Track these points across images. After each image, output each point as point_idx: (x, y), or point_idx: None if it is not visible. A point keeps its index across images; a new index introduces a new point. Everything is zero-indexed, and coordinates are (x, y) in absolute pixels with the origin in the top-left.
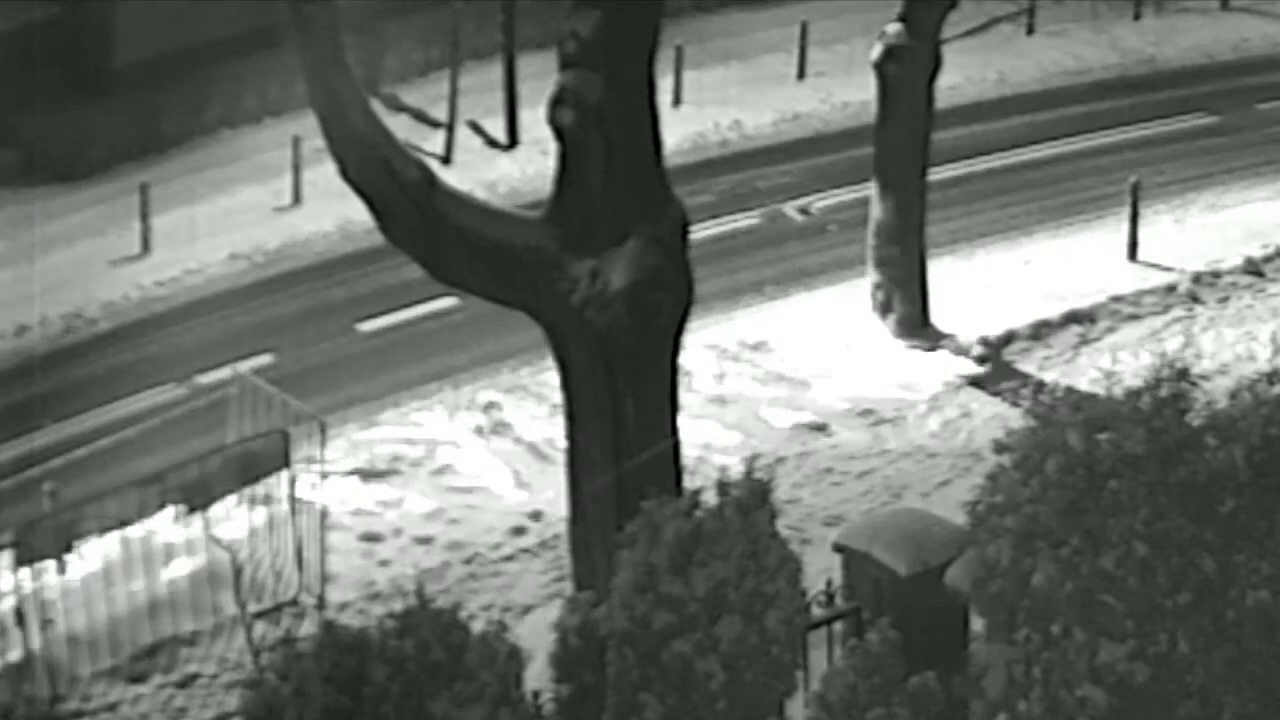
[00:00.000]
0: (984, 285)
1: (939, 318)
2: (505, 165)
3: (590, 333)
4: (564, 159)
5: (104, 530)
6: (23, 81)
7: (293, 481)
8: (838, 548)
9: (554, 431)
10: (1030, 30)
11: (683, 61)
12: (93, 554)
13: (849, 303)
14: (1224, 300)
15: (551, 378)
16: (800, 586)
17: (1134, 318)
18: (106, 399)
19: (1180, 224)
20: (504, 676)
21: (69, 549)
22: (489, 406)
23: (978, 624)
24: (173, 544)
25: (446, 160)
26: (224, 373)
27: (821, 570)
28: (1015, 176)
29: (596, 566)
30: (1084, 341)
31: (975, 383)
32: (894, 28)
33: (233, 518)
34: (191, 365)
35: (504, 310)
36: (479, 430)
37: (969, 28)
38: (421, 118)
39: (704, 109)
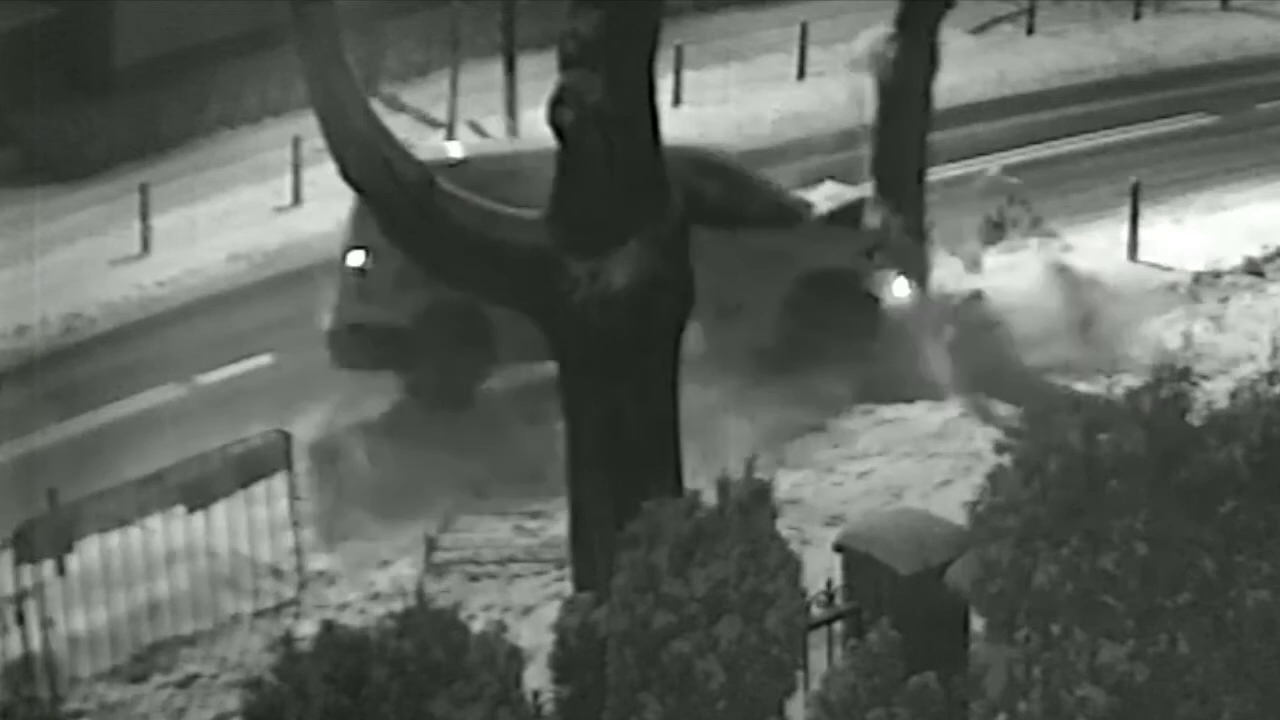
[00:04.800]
0: (984, 285)
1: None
2: None
3: (590, 333)
4: (564, 159)
5: (104, 530)
6: (23, 81)
7: (293, 481)
8: (838, 548)
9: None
10: (1030, 30)
11: (683, 61)
12: (93, 554)
13: None
14: (1224, 300)
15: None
16: (800, 586)
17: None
18: (106, 399)
19: (1180, 224)
20: (504, 676)
21: (69, 549)
22: None
23: (978, 624)
24: (173, 544)
25: None
26: (225, 373)
27: (821, 570)
28: (1015, 176)
29: (596, 566)
30: (1084, 341)
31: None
32: (891, 28)
33: (234, 518)
34: (191, 365)
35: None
36: None
37: (969, 28)
38: (421, 118)
39: (704, 109)
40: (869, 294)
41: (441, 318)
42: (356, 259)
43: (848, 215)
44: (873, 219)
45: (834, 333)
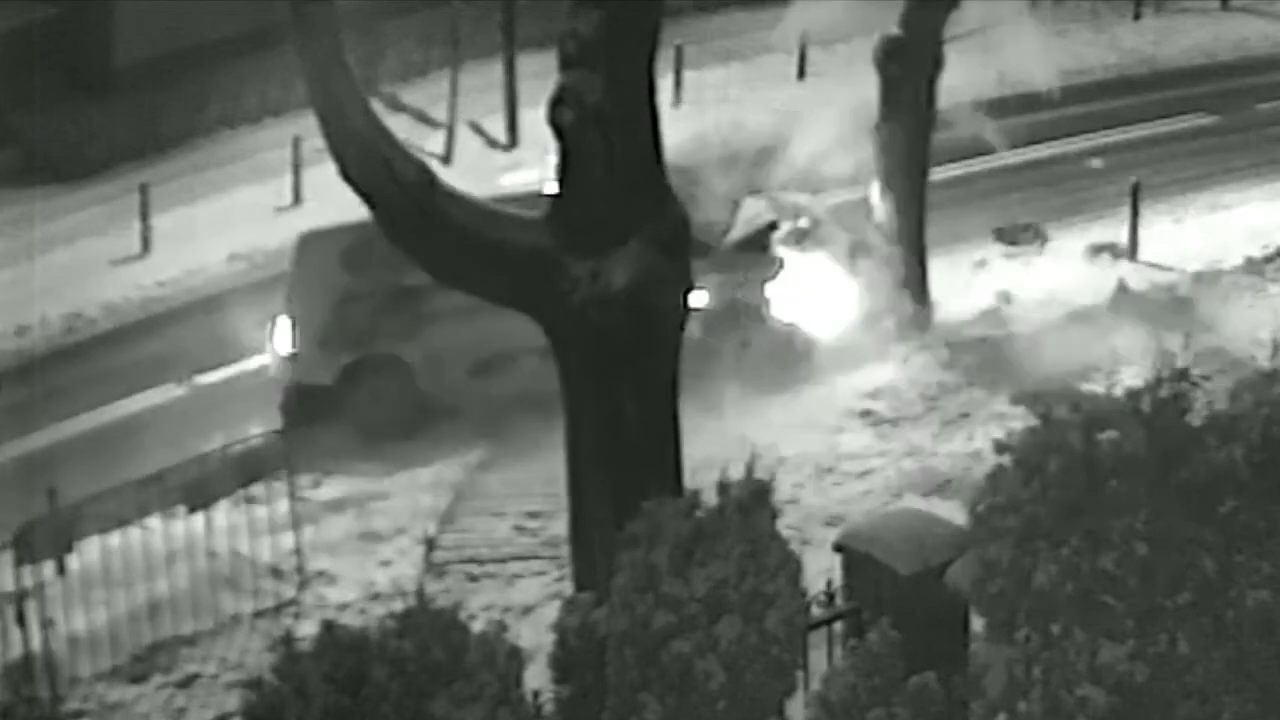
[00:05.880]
0: (985, 286)
1: (940, 317)
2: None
3: (590, 333)
4: (564, 159)
5: (104, 530)
6: (23, 81)
7: (293, 481)
8: (838, 548)
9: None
10: None
11: (683, 61)
12: (93, 554)
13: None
14: (1224, 300)
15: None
16: (800, 586)
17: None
18: (106, 399)
19: (1180, 224)
20: (504, 676)
21: (69, 549)
22: None
23: (978, 624)
24: (173, 544)
25: (446, 160)
26: (225, 373)
27: (821, 570)
28: (1015, 176)
29: (596, 566)
30: (1085, 341)
31: (976, 382)
32: (895, 28)
33: (234, 518)
34: (191, 365)
35: None
36: None
37: (970, 28)
38: (422, 118)
39: (704, 109)
40: (774, 323)
41: (363, 373)
42: (284, 327)
43: (755, 242)
44: (865, 225)
45: (741, 367)
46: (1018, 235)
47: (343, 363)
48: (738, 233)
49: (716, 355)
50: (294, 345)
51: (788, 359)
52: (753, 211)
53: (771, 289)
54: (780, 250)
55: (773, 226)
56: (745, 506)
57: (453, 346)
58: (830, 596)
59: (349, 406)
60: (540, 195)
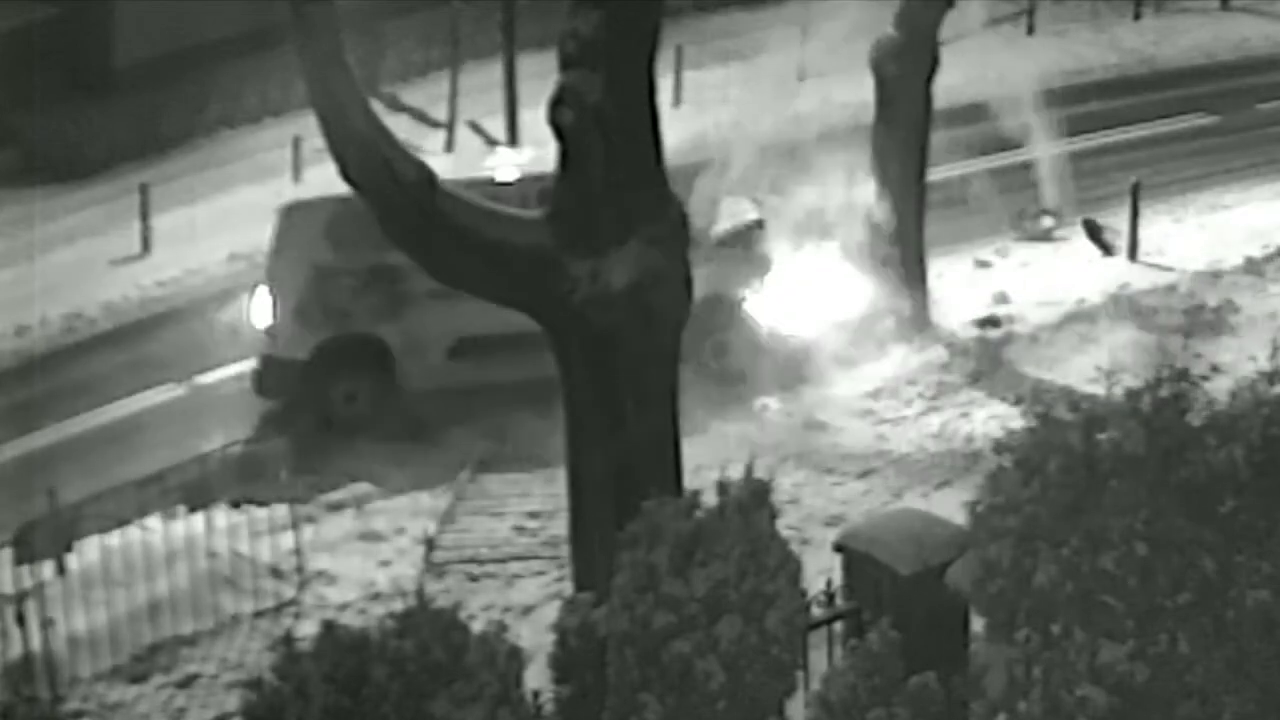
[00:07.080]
0: (985, 287)
1: (939, 318)
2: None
3: (590, 333)
4: (564, 159)
5: (104, 530)
6: (23, 81)
7: (293, 480)
8: (838, 548)
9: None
10: (1030, 30)
11: (683, 61)
12: (93, 554)
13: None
14: (1224, 300)
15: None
16: (800, 586)
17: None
18: (106, 399)
19: (1180, 224)
20: (504, 676)
21: (69, 549)
22: None
23: (978, 624)
24: (173, 544)
25: None
26: (225, 373)
27: (821, 570)
28: (1015, 176)
29: (596, 566)
30: (1084, 341)
31: (975, 382)
32: (891, 29)
33: (233, 518)
34: (192, 365)
35: None
36: None
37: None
38: (421, 118)
39: (704, 109)
40: (757, 323)
41: (340, 350)
42: (262, 296)
43: (740, 241)
44: (862, 225)
45: (732, 368)
46: (1038, 225)
47: (319, 339)
48: (721, 231)
49: (706, 356)
50: (272, 317)
51: (774, 359)
52: (737, 210)
53: (757, 288)
54: (770, 250)
55: (759, 225)
56: (745, 506)
57: (433, 328)
58: (830, 596)
59: (333, 402)
60: (492, 182)
